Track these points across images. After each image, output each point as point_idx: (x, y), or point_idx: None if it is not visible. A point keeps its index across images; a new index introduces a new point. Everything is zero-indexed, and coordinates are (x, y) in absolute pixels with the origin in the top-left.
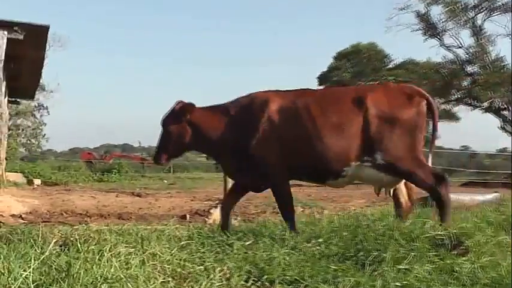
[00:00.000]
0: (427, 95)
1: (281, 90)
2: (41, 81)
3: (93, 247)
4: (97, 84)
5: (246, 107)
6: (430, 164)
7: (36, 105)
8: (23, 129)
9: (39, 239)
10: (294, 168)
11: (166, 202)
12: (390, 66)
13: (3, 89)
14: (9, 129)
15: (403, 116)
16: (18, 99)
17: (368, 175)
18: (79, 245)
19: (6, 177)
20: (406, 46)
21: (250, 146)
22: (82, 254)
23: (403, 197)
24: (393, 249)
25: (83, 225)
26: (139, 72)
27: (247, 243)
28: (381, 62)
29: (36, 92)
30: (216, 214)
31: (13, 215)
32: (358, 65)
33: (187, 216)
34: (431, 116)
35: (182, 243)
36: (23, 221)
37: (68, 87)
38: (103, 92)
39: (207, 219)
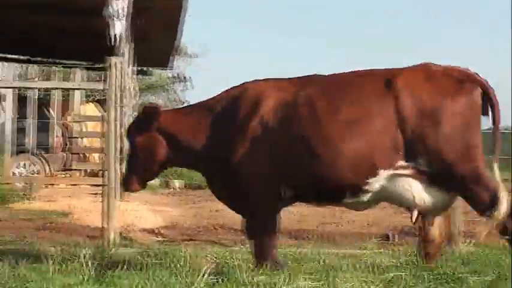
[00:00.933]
0: (483, 80)
1: (282, 79)
2: (180, 42)
3: (259, 278)
4: (261, 44)
5: (233, 103)
6: (497, 177)
7: (175, 75)
8: None
9: (183, 264)
10: (295, 185)
11: (360, 215)
12: None
13: (128, 54)
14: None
15: (451, 107)
16: (148, 69)
17: (405, 189)
18: (239, 274)
19: None
20: None
21: (232, 155)
22: (245, 287)
23: (437, 228)
24: None
25: (241, 246)
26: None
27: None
28: None
29: (176, 58)
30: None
31: (145, 230)
32: None
33: (392, 235)
34: (490, 110)
35: (388, 276)
36: (159, 239)
37: (219, 50)
38: (269, 55)
39: (423, 240)
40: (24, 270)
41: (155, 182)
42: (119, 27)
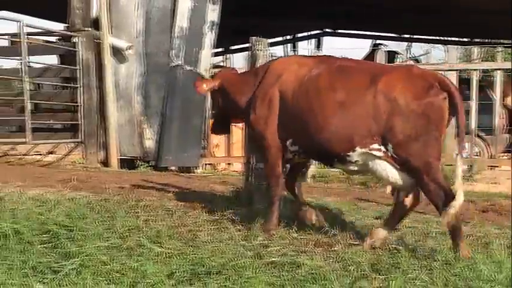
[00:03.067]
0: (452, 85)
1: (306, 57)
2: None
3: None
4: None
5: (264, 73)
6: (459, 177)
7: None
8: None
9: None
10: (300, 145)
11: None
12: None
13: None
14: None
15: (413, 106)
16: None
17: (378, 168)
18: None
19: None
20: None
21: (250, 118)
22: None
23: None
24: None
25: None
26: None
27: None
28: None
29: None
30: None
31: None
32: None
33: None
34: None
35: None
36: None
37: None
38: None
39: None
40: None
41: None
42: None
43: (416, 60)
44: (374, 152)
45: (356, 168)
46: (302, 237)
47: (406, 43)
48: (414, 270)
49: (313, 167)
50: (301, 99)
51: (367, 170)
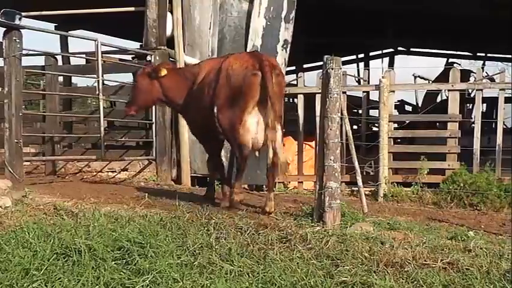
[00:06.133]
0: (267, 67)
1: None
2: None
3: None
4: None
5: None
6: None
7: None
8: None
9: None
10: None
11: None
12: None
13: None
14: None
15: (234, 80)
16: None
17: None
18: None
19: None
20: None
21: None
22: None
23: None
24: None
25: None
26: None
27: None
28: None
29: None
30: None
31: None
32: None
33: None
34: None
35: None
36: None
37: None
38: None
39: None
40: None
41: None
42: None
43: (491, 79)
44: (215, 110)
45: None
46: (373, 256)
47: (480, 62)
48: None
49: (386, 187)
50: None
51: None
